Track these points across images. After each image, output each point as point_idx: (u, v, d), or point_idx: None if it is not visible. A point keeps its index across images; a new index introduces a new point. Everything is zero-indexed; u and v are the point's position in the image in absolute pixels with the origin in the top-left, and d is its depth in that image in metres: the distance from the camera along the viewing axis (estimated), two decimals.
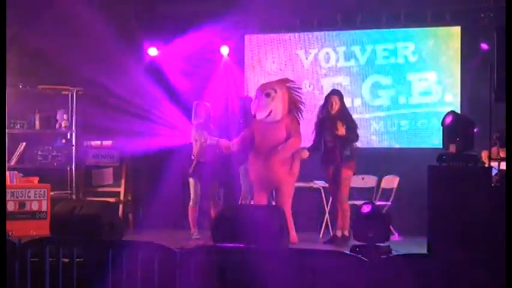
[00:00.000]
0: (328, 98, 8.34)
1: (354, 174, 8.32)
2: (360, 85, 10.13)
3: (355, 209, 7.88)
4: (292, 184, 8.22)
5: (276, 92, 8.15)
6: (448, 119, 7.06)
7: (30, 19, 10.73)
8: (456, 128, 6.91)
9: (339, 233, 8.17)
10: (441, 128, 7.17)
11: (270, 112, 8.11)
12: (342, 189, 8.12)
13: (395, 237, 8.27)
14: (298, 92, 8.34)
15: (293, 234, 7.91)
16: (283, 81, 8.41)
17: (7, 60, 7.42)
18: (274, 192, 8.38)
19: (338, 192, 8.16)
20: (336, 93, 8.43)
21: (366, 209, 6.79)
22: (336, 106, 8.22)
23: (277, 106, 8.12)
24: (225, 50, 10.44)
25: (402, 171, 9.04)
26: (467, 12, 9.49)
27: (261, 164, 8.10)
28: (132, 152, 9.76)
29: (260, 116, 8.13)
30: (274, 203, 8.29)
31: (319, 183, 8.77)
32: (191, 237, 8.47)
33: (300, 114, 8.31)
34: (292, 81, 8.52)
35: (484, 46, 9.18)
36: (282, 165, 8.06)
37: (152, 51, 10.51)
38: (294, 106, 8.25)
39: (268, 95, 8.12)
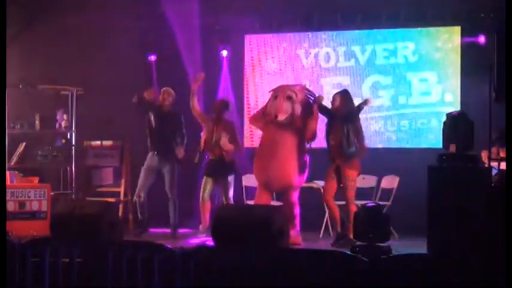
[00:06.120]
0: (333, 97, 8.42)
1: (359, 174, 8.28)
2: (360, 85, 10.14)
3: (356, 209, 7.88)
4: (300, 183, 8.26)
5: (296, 95, 8.24)
6: (455, 112, 7.19)
7: (31, 19, 10.76)
8: (456, 128, 6.92)
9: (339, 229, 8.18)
10: (441, 127, 7.20)
11: (290, 115, 8.17)
12: (348, 192, 8.08)
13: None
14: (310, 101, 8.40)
15: (296, 235, 7.88)
16: (303, 89, 8.51)
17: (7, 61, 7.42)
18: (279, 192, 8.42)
19: (341, 192, 8.15)
20: (339, 92, 8.48)
21: (370, 203, 6.82)
22: (335, 103, 8.25)
23: (297, 109, 8.18)
24: (224, 53, 10.46)
25: (402, 171, 9.04)
26: (467, 12, 9.49)
27: (271, 164, 8.09)
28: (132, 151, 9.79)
29: (281, 117, 8.18)
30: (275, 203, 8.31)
31: (319, 183, 8.77)
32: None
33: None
34: (310, 90, 8.62)
35: (482, 40, 9.20)
36: (294, 167, 8.07)
37: (152, 56, 10.55)
38: (309, 111, 8.28)
39: (289, 98, 8.17)
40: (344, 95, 8.35)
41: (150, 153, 8.94)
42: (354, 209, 7.96)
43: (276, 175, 8.10)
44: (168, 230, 8.94)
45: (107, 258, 5.58)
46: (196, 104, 8.77)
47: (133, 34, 10.46)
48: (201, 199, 8.75)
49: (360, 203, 8.09)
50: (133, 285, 5.51)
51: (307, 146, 8.33)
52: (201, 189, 8.75)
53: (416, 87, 9.94)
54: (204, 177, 8.78)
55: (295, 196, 8.20)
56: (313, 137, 8.26)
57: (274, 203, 8.72)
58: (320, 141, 8.50)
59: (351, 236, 7.86)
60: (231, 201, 8.65)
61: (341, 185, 8.19)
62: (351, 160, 8.09)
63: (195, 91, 8.76)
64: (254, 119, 8.75)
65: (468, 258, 5.16)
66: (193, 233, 8.89)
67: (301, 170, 8.22)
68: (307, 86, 10.03)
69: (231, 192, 8.67)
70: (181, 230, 9.02)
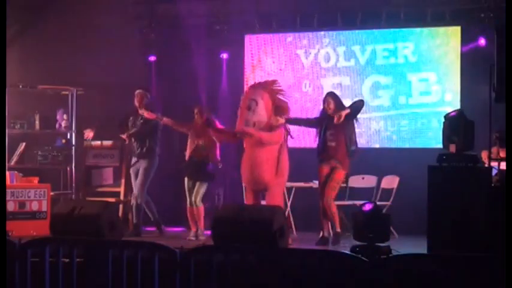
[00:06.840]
0: (324, 100, 8.29)
1: (347, 176, 8.29)
2: (360, 85, 10.13)
3: (355, 209, 7.88)
4: (280, 186, 8.10)
5: (257, 103, 7.95)
6: (453, 113, 7.18)
7: (31, 19, 10.76)
8: (456, 128, 6.93)
9: (326, 233, 8.15)
10: (441, 126, 7.21)
11: (254, 124, 7.93)
12: (332, 191, 8.00)
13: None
14: (281, 94, 8.14)
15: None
16: (266, 85, 8.19)
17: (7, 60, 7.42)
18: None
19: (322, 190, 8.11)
20: (328, 94, 8.34)
21: (368, 207, 6.79)
22: (331, 105, 8.17)
23: (261, 115, 7.94)
24: (224, 55, 10.46)
25: (402, 171, 9.03)
26: (467, 12, 9.49)
27: (248, 166, 8.05)
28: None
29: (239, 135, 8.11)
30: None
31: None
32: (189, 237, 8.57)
33: (282, 115, 8.07)
34: (275, 82, 8.26)
35: (482, 42, 9.20)
36: (267, 167, 7.96)
37: (152, 56, 10.57)
38: (278, 109, 8.06)
39: (249, 108, 7.96)
40: (335, 96, 8.24)
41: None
42: (335, 209, 8.00)
43: (250, 176, 8.00)
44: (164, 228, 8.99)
45: (107, 258, 5.58)
46: (169, 121, 8.76)
47: (134, 34, 10.46)
48: (188, 204, 8.62)
49: (359, 203, 8.09)
50: (133, 285, 5.51)
51: (287, 142, 8.18)
52: (187, 194, 8.62)
53: (416, 87, 9.93)
54: (186, 179, 8.66)
55: (276, 196, 7.95)
56: (270, 140, 7.96)
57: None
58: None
59: (338, 230, 7.92)
60: (200, 205, 8.56)
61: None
62: (348, 161, 8.06)
63: (155, 114, 8.72)
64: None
65: (468, 258, 5.16)
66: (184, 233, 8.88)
67: (277, 169, 7.98)
68: (307, 86, 10.10)
69: (200, 197, 8.56)
70: (177, 229, 9.03)
